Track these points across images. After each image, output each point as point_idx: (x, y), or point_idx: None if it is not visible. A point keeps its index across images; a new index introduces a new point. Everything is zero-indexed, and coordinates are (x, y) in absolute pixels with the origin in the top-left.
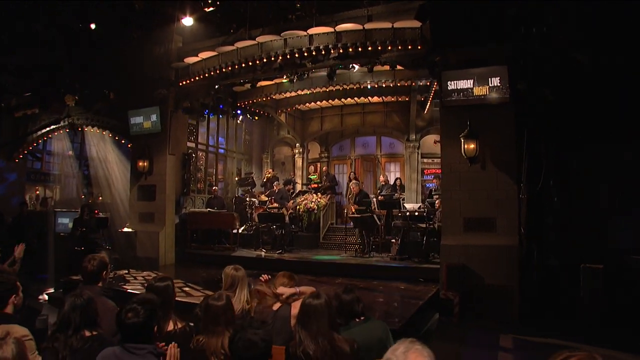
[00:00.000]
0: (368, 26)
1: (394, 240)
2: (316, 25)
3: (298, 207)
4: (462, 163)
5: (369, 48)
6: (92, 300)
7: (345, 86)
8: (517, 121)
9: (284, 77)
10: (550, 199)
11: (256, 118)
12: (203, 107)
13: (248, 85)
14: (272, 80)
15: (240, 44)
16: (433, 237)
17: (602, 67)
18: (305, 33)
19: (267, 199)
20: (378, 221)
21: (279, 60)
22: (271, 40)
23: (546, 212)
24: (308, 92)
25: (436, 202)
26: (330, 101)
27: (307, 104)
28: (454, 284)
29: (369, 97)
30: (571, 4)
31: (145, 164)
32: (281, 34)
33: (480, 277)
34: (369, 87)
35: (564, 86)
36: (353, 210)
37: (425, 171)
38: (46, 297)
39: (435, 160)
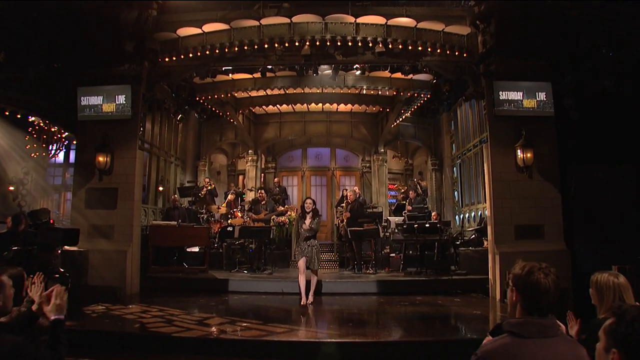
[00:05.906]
0: (420, 25)
1: (394, 255)
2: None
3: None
4: (511, 172)
5: (419, 48)
6: None
7: (339, 90)
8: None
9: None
10: (580, 207)
11: (204, 117)
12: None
13: (221, 77)
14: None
15: (266, 21)
16: (448, 249)
17: (625, 93)
18: (352, 20)
19: (226, 210)
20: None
21: (308, 46)
22: (307, 22)
23: (578, 218)
24: (294, 92)
25: (432, 214)
26: (295, 105)
27: (266, 107)
28: None
29: (337, 104)
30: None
31: (107, 159)
32: (325, 17)
33: None
34: (364, 92)
35: (587, 106)
36: (345, 219)
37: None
38: None
39: (389, 176)
